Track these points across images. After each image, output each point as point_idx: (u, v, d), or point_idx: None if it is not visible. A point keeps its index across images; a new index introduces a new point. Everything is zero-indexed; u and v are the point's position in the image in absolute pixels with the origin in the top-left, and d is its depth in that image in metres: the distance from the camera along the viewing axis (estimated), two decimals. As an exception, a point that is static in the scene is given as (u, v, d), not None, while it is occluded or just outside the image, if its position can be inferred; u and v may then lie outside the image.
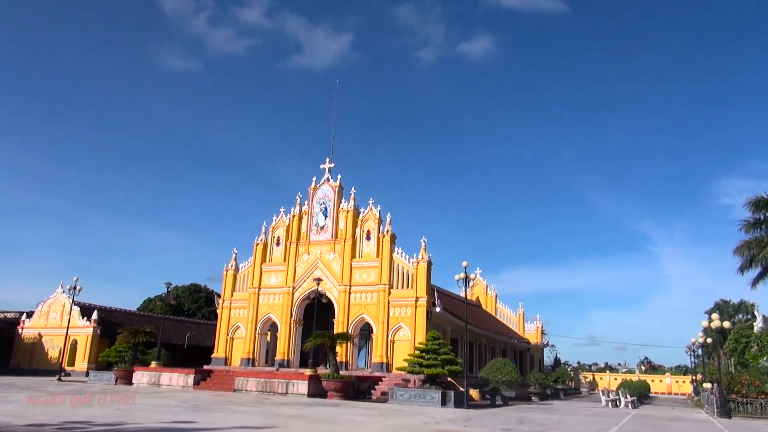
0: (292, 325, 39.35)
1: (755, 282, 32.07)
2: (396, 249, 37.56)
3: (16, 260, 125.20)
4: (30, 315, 51.17)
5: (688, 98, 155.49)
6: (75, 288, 40.37)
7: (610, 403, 34.41)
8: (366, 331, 37.86)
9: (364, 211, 39.28)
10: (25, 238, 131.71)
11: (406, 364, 28.75)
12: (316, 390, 28.16)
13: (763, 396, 28.09)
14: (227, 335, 41.91)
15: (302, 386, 28.27)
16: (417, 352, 28.63)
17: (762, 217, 31.12)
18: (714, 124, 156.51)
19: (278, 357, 38.83)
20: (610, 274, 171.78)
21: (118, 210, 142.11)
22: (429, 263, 36.49)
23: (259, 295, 41.13)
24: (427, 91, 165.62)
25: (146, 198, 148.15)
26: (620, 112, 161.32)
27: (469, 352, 39.35)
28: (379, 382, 31.96)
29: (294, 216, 41.54)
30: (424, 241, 37.12)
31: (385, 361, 35.29)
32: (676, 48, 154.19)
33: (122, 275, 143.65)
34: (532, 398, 38.61)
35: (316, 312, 36.38)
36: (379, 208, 38.91)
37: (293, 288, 39.83)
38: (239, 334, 41.67)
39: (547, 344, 65.95)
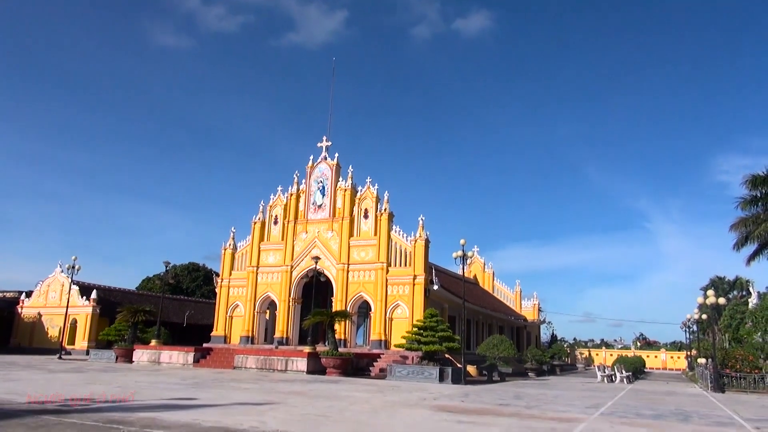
0: (290, 304, 39.57)
1: (750, 259, 32.27)
2: (394, 227, 37.63)
3: (13, 240, 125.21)
4: (29, 294, 51.36)
5: (685, 75, 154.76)
6: (74, 267, 40.49)
7: (605, 379, 34.84)
8: (364, 308, 38.11)
9: (361, 190, 39.27)
10: (22, 218, 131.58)
11: (404, 341, 29.03)
12: (315, 367, 28.45)
13: (756, 371, 28.47)
14: (226, 313, 42.17)
15: (301, 363, 28.55)
16: (415, 329, 28.88)
17: (758, 194, 31.19)
18: (711, 100, 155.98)
19: (277, 335, 39.13)
20: (606, 252, 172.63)
21: (115, 189, 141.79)
22: (427, 241, 36.60)
23: (257, 273, 41.29)
24: (423, 68, 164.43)
25: (143, 177, 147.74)
26: (617, 89, 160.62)
27: (467, 329, 39.72)
28: (378, 359, 32.28)
29: (291, 195, 41.53)
30: (422, 220, 37.22)
31: (383, 338, 35.58)
32: (675, 25, 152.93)
33: (120, 255, 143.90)
34: (529, 374, 39.07)
35: (315, 290, 36.56)
36: (376, 187, 38.92)
37: (291, 266, 39.97)
38: (238, 312, 41.93)
39: (544, 321, 66.44)
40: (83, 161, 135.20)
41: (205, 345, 38.71)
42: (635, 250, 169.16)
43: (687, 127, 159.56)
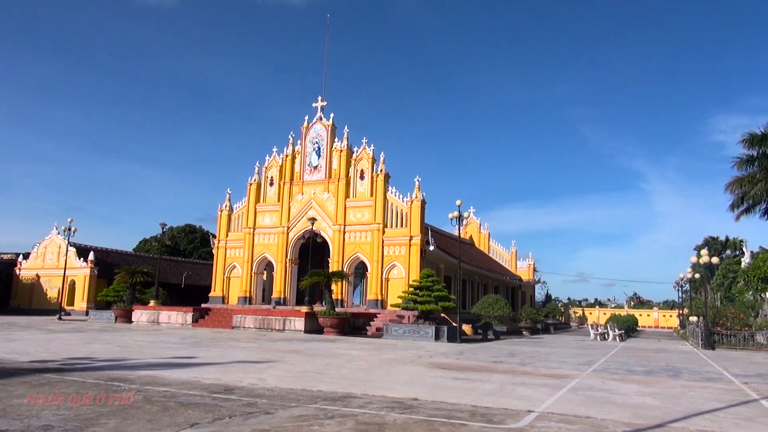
0: (287, 265, 39.81)
1: (739, 215, 32.36)
2: (390, 188, 37.60)
3: (9, 201, 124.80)
4: (26, 256, 51.49)
5: (683, 33, 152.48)
6: (70, 229, 40.46)
7: (598, 337, 35.45)
8: (361, 269, 38.39)
9: (357, 151, 39.06)
10: (14, 179, 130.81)
11: (400, 301, 29.36)
12: (313, 326, 28.83)
13: (746, 328, 28.99)
14: (224, 274, 42.42)
15: (299, 323, 28.92)
16: (411, 289, 29.16)
17: (755, 154, 31.15)
18: (709, 59, 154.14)
19: (275, 295, 39.49)
20: (601, 212, 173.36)
21: (109, 151, 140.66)
22: (423, 202, 36.63)
23: (254, 235, 41.38)
24: (416, 26, 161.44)
25: (137, 139, 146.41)
26: (614, 48, 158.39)
27: (462, 289, 40.13)
28: (374, 319, 32.71)
29: (287, 156, 41.29)
30: (418, 180, 37.15)
31: (379, 298, 35.96)
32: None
33: (116, 217, 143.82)
34: (523, 333, 39.71)
35: (311, 251, 36.73)
36: (372, 148, 38.70)
37: (288, 228, 40.06)
38: (235, 273, 42.19)
39: (539, 281, 67.23)
40: (77, 122, 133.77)
41: (203, 305, 39.08)
42: (630, 210, 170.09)
43: (685, 86, 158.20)
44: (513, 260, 59.74)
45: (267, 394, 8.80)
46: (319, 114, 40.79)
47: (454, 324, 28.41)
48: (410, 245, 36.02)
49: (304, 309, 30.04)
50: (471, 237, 58.03)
